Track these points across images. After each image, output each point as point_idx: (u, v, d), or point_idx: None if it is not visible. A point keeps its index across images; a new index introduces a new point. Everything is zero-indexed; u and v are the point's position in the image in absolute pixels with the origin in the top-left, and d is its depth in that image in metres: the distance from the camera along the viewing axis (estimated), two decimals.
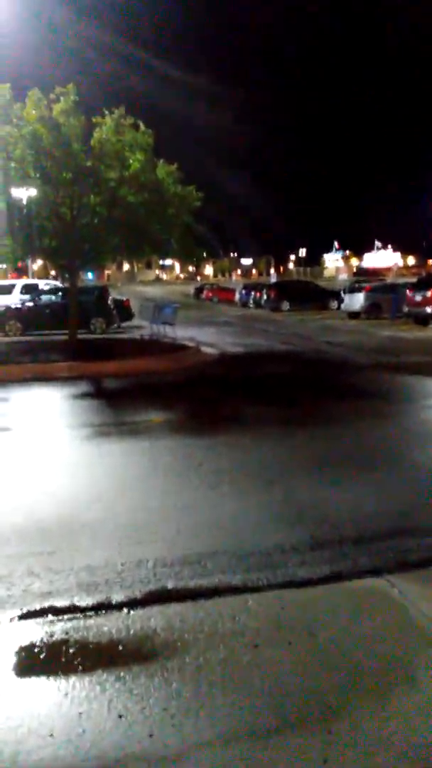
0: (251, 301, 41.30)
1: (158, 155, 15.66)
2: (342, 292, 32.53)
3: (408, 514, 4.80)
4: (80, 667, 2.92)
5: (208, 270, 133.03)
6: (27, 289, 25.28)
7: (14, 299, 24.02)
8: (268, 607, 3.43)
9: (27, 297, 23.25)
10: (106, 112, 14.75)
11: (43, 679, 2.86)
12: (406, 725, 2.49)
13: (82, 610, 3.46)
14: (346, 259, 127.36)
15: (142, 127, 14.93)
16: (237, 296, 46.65)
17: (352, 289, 29.99)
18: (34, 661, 3.00)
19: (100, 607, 3.47)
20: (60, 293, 21.86)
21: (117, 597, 3.58)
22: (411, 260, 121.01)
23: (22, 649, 3.09)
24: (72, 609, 3.46)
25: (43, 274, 51.32)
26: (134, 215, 14.67)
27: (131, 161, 14.60)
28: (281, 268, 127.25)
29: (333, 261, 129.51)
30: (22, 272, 43.17)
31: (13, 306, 22.43)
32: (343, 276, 49.72)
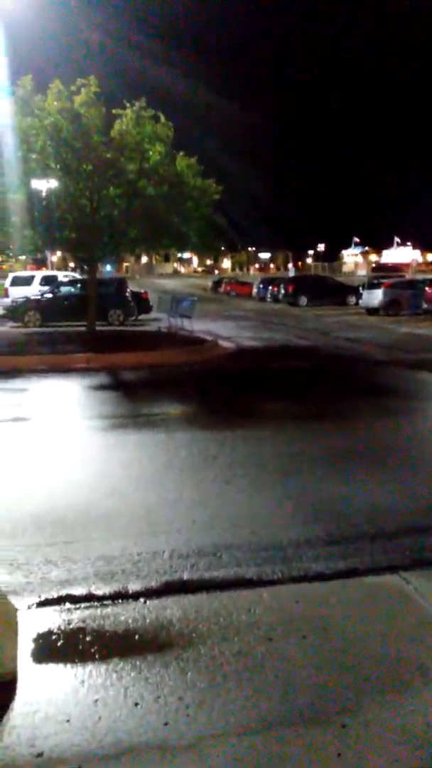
0: (269, 296, 41.15)
1: (178, 148, 15.66)
2: (360, 288, 32.34)
3: (424, 512, 4.78)
4: (97, 655, 2.95)
5: (226, 264, 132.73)
6: (46, 280, 25.47)
7: (34, 290, 24.18)
8: (282, 600, 3.45)
9: (46, 288, 23.39)
10: (127, 104, 14.76)
11: (60, 666, 2.90)
12: (420, 721, 2.50)
13: (99, 598, 3.49)
14: (364, 254, 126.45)
15: (162, 119, 14.92)
16: (254, 290, 46.46)
17: (371, 285, 29.76)
18: (52, 648, 3.04)
19: (116, 597, 3.51)
20: (79, 285, 21.94)
21: (133, 587, 3.61)
22: (431, 257, 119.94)
23: (40, 636, 3.13)
24: (89, 597, 3.51)
25: (62, 266, 51.58)
26: (153, 207, 14.68)
27: (151, 153, 14.60)
28: (299, 263, 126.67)
29: (351, 257, 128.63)
30: (41, 264, 43.42)
31: (32, 297, 22.57)
32: (362, 272, 49.28)
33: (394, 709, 2.57)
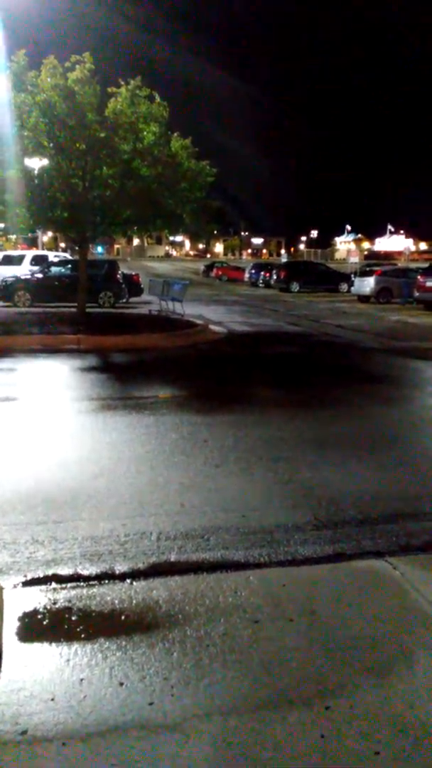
0: (261, 281, 41.08)
1: (173, 129, 15.48)
2: (352, 275, 32.31)
3: (412, 498, 4.80)
4: (82, 635, 2.95)
5: (218, 248, 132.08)
6: (37, 260, 25.23)
7: (24, 270, 23.96)
8: (269, 583, 3.45)
9: (36, 268, 23.18)
10: (122, 83, 14.54)
11: (45, 645, 2.89)
12: (403, 704, 2.52)
13: (86, 579, 3.49)
14: (357, 242, 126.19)
15: (157, 98, 14.72)
16: (247, 275, 46.37)
17: (363, 273, 29.77)
18: (37, 628, 3.03)
19: (103, 577, 3.50)
20: (69, 265, 21.77)
21: (120, 567, 3.61)
22: (423, 246, 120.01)
23: (26, 615, 3.12)
24: (75, 578, 3.50)
25: (52, 247, 51.16)
26: (147, 188, 14.53)
27: (145, 133, 14.42)
28: (292, 249, 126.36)
29: (344, 244, 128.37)
30: (32, 243, 43.03)
31: (22, 277, 22.37)
32: (354, 259, 49.33)
33: (378, 692, 2.59)
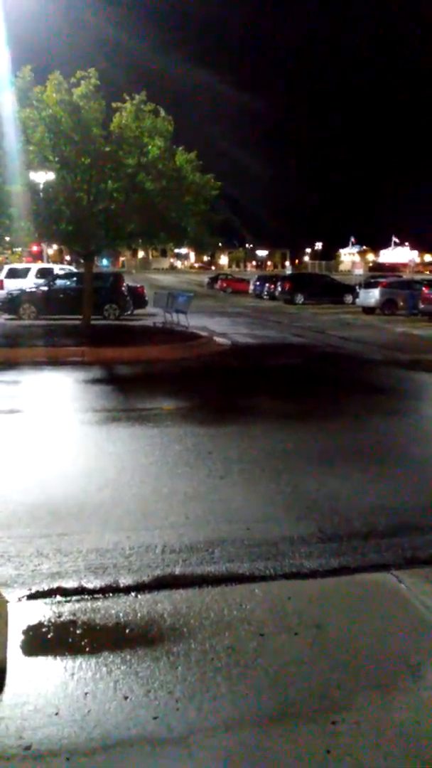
0: (265, 293, 41.12)
1: (178, 143, 15.59)
2: (357, 287, 32.35)
3: (418, 511, 4.78)
4: (87, 649, 2.94)
5: (223, 260, 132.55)
6: (42, 273, 25.35)
7: (29, 283, 24.08)
8: (274, 596, 3.44)
9: (42, 281, 23.29)
10: (127, 98, 14.67)
11: (50, 658, 2.88)
12: (410, 718, 2.49)
13: (90, 592, 3.48)
14: (362, 254, 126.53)
15: (162, 113, 14.84)
16: (251, 287, 46.42)
17: (368, 285, 29.81)
18: (42, 641, 3.02)
19: (107, 590, 3.49)
20: (74, 278, 21.87)
21: (125, 580, 3.60)
22: (428, 257, 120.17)
23: (30, 628, 3.12)
24: (80, 591, 3.49)
25: (58, 260, 51.40)
26: (151, 202, 14.62)
27: (150, 147, 14.53)
28: (296, 261, 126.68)
29: (349, 255, 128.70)
30: (37, 257, 43.24)
31: (27, 290, 22.48)
32: (359, 271, 49.45)
33: (384, 706, 2.56)
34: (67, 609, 3.30)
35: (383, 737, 2.39)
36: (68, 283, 21.95)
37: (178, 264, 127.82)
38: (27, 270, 26.57)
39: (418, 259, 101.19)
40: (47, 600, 3.40)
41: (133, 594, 3.45)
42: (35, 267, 27.53)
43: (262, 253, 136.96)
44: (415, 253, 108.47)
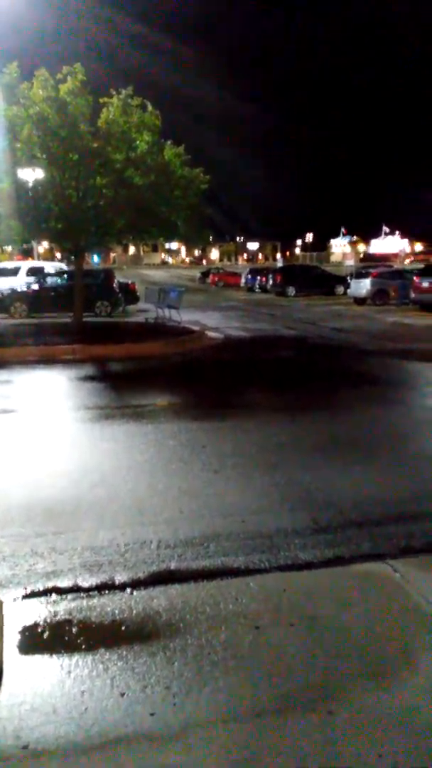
0: (257, 286, 41.08)
1: (166, 137, 15.53)
2: (348, 278, 32.33)
3: (411, 500, 4.80)
4: (83, 646, 2.94)
5: (214, 254, 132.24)
6: (32, 271, 25.21)
7: (20, 281, 23.97)
8: (269, 589, 3.45)
9: (32, 279, 23.19)
10: (114, 93, 14.59)
11: (46, 657, 2.88)
12: (406, 707, 2.51)
13: (86, 590, 3.48)
14: (353, 244, 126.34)
15: (149, 107, 14.77)
16: (243, 281, 46.34)
17: (359, 275, 29.79)
18: (38, 640, 3.02)
19: (103, 588, 3.50)
20: (65, 276, 21.80)
21: (120, 577, 3.60)
22: (419, 247, 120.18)
23: (26, 628, 3.12)
24: (75, 589, 3.49)
25: (49, 257, 51.18)
26: (141, 197, 14.56)
27: (138, 142, 14.46)
28: (288, 253, 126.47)
29: (340, 246, 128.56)
30: (27, 254, 43.04)
31: (18, 288, 22.39)
32: (350, 262, 49.40)
33: (380, 695, 2.58)
34: (62, 607, 3.30)
35: (380, 726, 2.40)
36: (59, 280, 21.87)
37: (170, 259, 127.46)
38: (17, 268, 26.44)
39: (408, 249, 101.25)
40: (43, 599, 3.40)
41: (128, 590, 3.45)
42: (26, 265, 27.40)
43: (253, 246, 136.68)
44: (406, 242, 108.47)
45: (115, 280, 22.97)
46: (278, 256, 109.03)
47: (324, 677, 2.69)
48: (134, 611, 3.24)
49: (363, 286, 27.87)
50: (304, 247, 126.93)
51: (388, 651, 2.89)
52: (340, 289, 34.26)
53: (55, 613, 3.24)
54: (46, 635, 3.06)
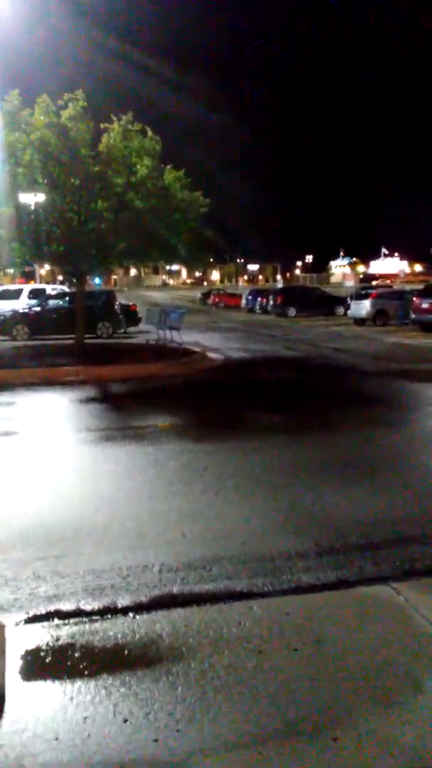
0: (257, 307, 41.26)
1: (166, 161, 15.74)
2: (348, 299, 32.50)
3: (414, 522, 4.78)
4: (86, 672, 2.92)
5: (215, 275, 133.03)
6: (34, 293, 25.38)
7: (22, 304, 24.11)
8: (272, 613, 3.43)
9: (34, 302, 23.32)
10: (114, 118, 14.82)
11: (48, 683, 2.86)
12: (411, 732, 2.49)
13: (88, 614, 3.46)
14: (352, 265, 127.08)
15: (149, 133, 15.00)
16: (243, 302, 46.56)
17: (359, 296, 29.95)
18: (40, 665, 3.00)
19: (105, 612, 3.48)
20: (67, 298, 21.92)
21: (122, 601, 3.58)
22: (418, 267, 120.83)
23: (28, 652, 3.10)
24: (78, 613, 3.47)
25: (51, 279, 51.47)
26: (141, 220, 14.71)
27: (138, 167, 14.66)
28: (288, 274, 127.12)
29: (339, 267, 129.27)
30: (29, 277, 43.33)
31: (20, 311, 22.51)
32: (350, 283, 49.72)
33: (385, 721, 2.55)
34: (65, 632, 3.28)
35: (385, 752, 2.38)
36: (60, 302, 21.99)
37: (170, 281, 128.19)
38: (19, 291, 26.61)
39: (407, 269, 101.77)
40: (45, 623, 3.38)
41: (131, 615, 3.43)
42: (27, 288, 27.58)
43: (253, 267, 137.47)
44: (405, 263, 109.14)
45: (117, 302, 23.11)
46: (278, 277, 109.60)
47: (328, 702, 2.67)
48: (137, 635, 3.22)
49: (363, 307, 28.00)
50: (304, 269, 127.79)
51: (392, 675, 2.87)
52: (340, 310, 34.44)
53: (57, 638, 3.22)
54: (48, 660, 3.04)
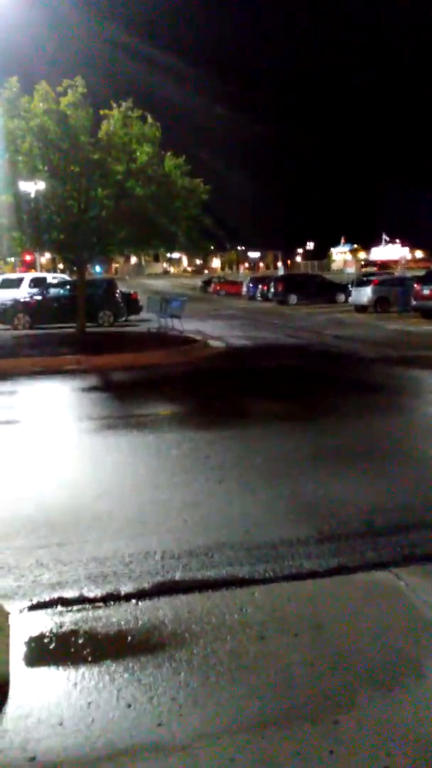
0: (258, 295, 41.20)
1: (166, 148, 15.65)
2: (349, 286, 32.41)
3: (415, 508, 4.80)
4: (89, 658, 2.95)
5: (216, 263, 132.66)
6: (35, 282, 25.35)
7: (23, 293, 24.08)
8: (274, 599, 3.45)
9: (35, 290, 23.30)
10: (114, 105, 14.72)
11: (52, 669, 2.89)
12: (412, 717, 2.51)
13: (91, 601, 3.49)
14: (353, 252, 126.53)
15: (149, 119, 14.91)
16: (244, 289, 46.49)
17: (360, 283, 29.86)
18: (44, 652, 3.03)
19: (108, 598, 3.50)
20: (68, 286, 21.89)
21: (125, 588, 3.61)
22: (419, 254, 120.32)
23: (32, 639, 3.12)
24: (81, 600, 3.50)
25: (51, 268, 51.39)
26: (142, 208, 14.66)
27: (139, 154, 14.59)
28: (289, 262, 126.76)
29: (340, 254, 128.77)
30: (30, 266, 43.25)
31: (21, 299, 22.49)
32: (351, 270, 49.61)
33: (386, 705, 2.58)
34: (68, 619, 3.31)
35: (386, 736, 2.40)
36: (61, 291, 21.97)
37: (171, 269, 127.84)
38: (20, 280, 26.57)
39: (409, 256, 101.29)
40: (48, 610, 3.40)
41: (134, 601, 3.46)
42: (28, 276, 27.54)
43: (254, 254, 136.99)
44: (406, 249, 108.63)
45: (118, 290, 23.06)
46: (279, 264, 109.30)
47: (329, 687, 2.70)
48: (140, 622, 3.24)
49: (364, 294, 27.93)
50: (305, 256, 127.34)
51: (393, 660, 2.89)
52: (342, 297, 34.35)
53: (61, 624, 3.25)
54: (51, 646, 3.07)
